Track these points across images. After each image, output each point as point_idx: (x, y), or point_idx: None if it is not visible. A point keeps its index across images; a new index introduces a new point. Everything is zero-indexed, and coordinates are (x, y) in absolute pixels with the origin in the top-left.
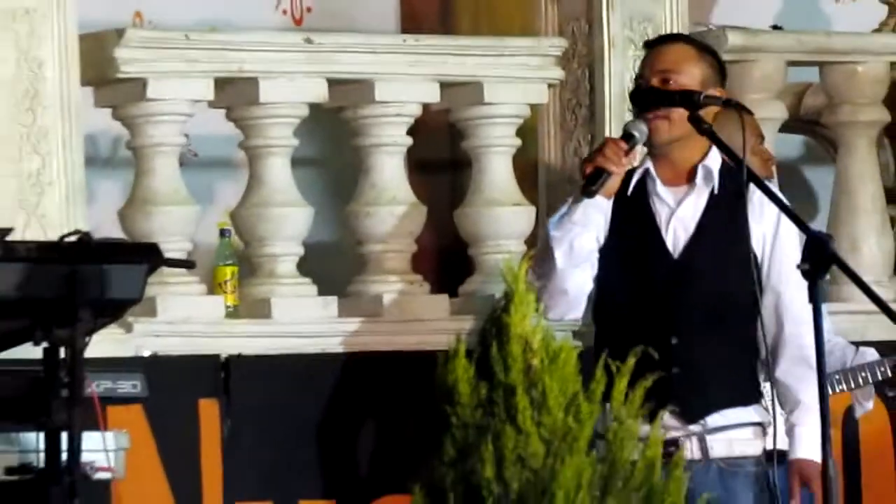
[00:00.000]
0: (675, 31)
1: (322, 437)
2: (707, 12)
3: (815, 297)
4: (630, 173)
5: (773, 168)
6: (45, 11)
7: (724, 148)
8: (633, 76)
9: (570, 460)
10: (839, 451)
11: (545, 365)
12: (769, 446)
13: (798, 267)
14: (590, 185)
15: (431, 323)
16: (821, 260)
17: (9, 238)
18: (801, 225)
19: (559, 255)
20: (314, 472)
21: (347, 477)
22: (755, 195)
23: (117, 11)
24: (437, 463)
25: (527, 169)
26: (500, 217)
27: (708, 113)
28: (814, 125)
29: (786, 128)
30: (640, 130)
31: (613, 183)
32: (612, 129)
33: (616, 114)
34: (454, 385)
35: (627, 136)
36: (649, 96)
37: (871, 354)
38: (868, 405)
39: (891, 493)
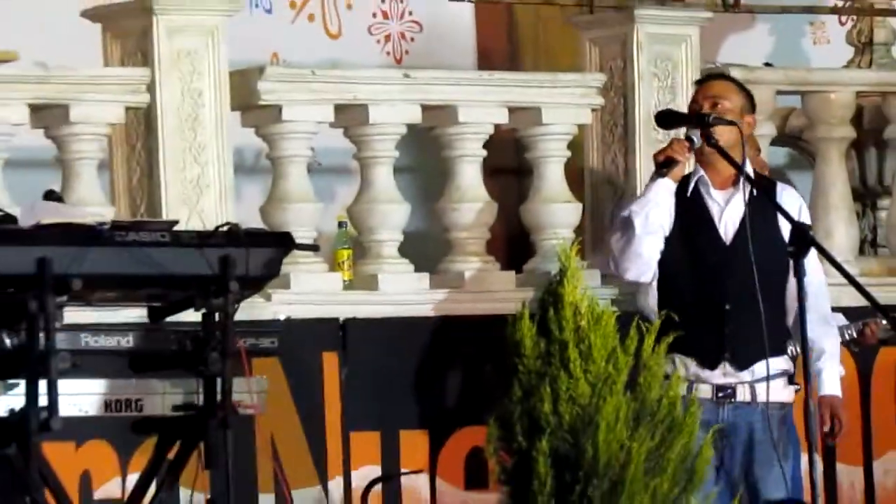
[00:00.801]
0: (689, 69)
1: (417, 382)
2: (714, 53)
3: (799, 271)
4: (687, 179)
5: (767, 173)
6: (203, 53)
7: (727, 157)
8: (657, 103)
9: (609, 399)
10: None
11: (590, 325)
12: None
13: (787, 249)
14: (662, 168)
15: (502, 293)
16: (804, 244)
17: (175, 228)
18: (789, 218)
19: (638, 223)
20: (412, 408)
21: (437, 412)
22: (783, 195)
23: (259, 52)
24: (506, 401)
25: (575, 174)
26: (555, 211)
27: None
28: (797, 140)
29: (775, 142)
30: (697, 136)
31: (679, 170)
32: (642, 143)
33: (644, 131)
34: (520, 341)
35: (688, 139)
36: (677, 118)
37: (840, 320)
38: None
39: (857, 427)
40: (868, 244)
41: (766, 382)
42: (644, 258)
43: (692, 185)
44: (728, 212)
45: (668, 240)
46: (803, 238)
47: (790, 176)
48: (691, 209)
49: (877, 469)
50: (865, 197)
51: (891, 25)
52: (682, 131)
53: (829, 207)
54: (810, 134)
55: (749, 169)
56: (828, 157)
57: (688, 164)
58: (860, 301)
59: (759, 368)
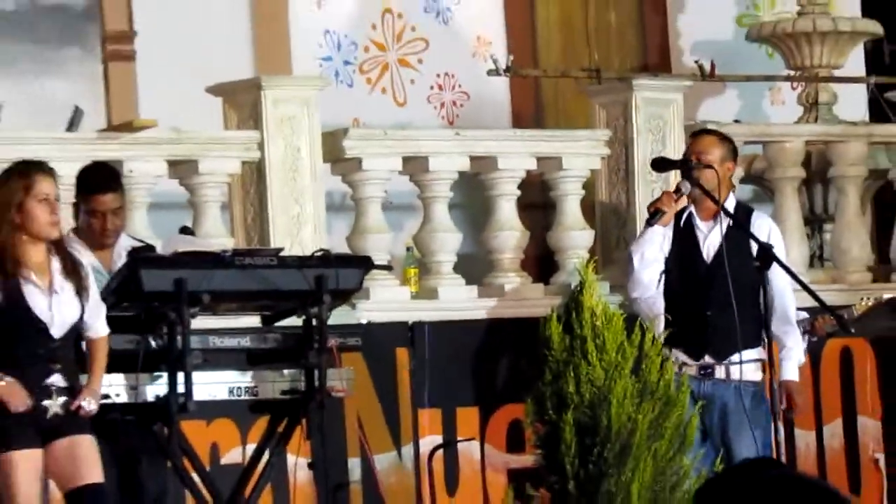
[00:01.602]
0: (676, 126)
1: (469, 369)
2: (694, 112)
3: (763, 281)
4: (681, 213)
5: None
6: (301, 118)
7: (707, 194)
8: (651, 152)
9: (619, 381)
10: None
11: (604, 324)
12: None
13: (754, 264)
14: (652, 218)
15: (533, 301)
16: (767, 260)
17: (281, 254)
18: (755, 240)
19: (636, 260)
20: (466, 390)
21: (485, 392)
22: (756, 221)
23: (344, 118)
24: (539, 384)
25: (588, 207)
26: (573, 236)
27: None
28: (759, 179)
29: (743, 181)
30: (686, 185)
31: (667, 217)
32: (640, 183)
33: (641, 174)
34: (549, 337)
35: (677, 189)
36: (666, 164)
37: (803, 315)
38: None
39: (811, 400)
40: (816, 258)
41: (740, 366)
42: (644, 283)
43: (684, 217)
44: (710, 238)
45: (666, 260)
46: (767, 255)
47: (756, 206)
48: (683, 236)
49: (826, 433)
50: (814, 222)
51: (832, 89)
52: (670, 176)
53: (785, 231)
54: (770, 174)
55: (731, 202)
56: (784, 192)
57: (684, 202)
58: (811, 302)
59: (735, 358)
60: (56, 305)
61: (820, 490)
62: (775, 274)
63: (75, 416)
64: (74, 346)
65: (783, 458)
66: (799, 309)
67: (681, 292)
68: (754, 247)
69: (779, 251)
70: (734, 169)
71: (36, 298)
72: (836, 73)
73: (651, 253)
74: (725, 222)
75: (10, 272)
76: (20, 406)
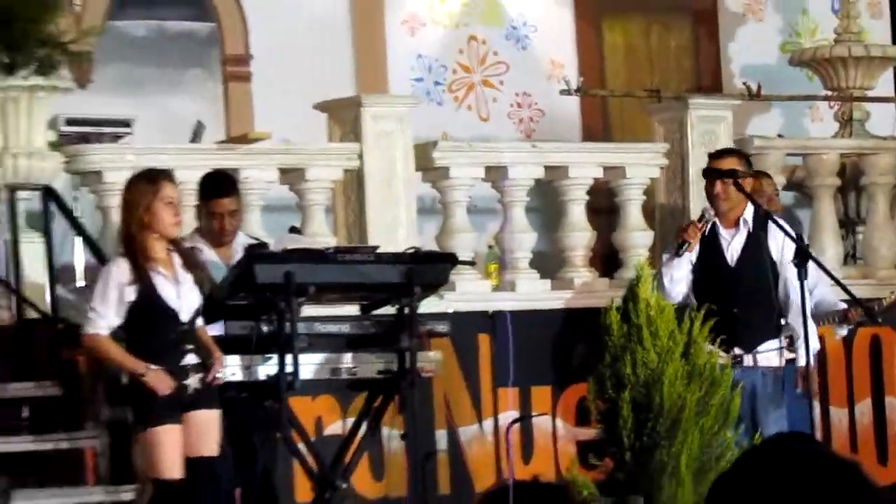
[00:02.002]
0: (726, 140)
1: (543, 353)
2: (743, 128)
3: (801, 278)
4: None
5: (779, 210)
6: (396, 132)
7: (752, 200)
8: (705, 164)
9: (670, 364)
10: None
11: (657, 314)
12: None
13: (792, 262)
14: (680, 248)
15: (599, 293)
16: (804, 258)
17: (378, 251)
18: (794, 239)
19: (666, 280)
20: (540, 371)
21: (557, 373)
22: (771, 229)
23: (433, 132)
24: (601, 365)
25: (649, 210)
26: (635, 237)
27: (746, 183)
28: (800, 187)
29: (785, 189)
30: (710, 213)
31: (691, 246)
32: (693, 191)
33: (696, 183)
34: (610, 325)
35: (701, 217)
36: (715, 172)
37: (841, 305)
38: (842, 332)
39: (843, 381)
40: (850, 257)
41: (755, 356)
42: (672, 296)
43: (709, 227)
44: (733, 244)
45: (695, 265)
46: (803, 253)
47: (795, 211)
48: (709, 244)
49: (857, 411)
50: (847, 225)
51: (864, 108)
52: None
53: (822, 233)
54: (809, 182)
55: (749, 212)
56: (821, 199)
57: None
58: (844, 296)
59: (761, 347)
60: (182, 294)
61: (839, 463)
62: (791, 272)
63: (209, 390)
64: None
65: (818, 433)
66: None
67: (709, 293)
68: (774, 251)
69: (789, 255)
70: (752, 184)
71: (166, 289)
72: (868, 93)
73: (680, 274)
74: (745, 230)
75: (142, 268)
76: (166, 390)
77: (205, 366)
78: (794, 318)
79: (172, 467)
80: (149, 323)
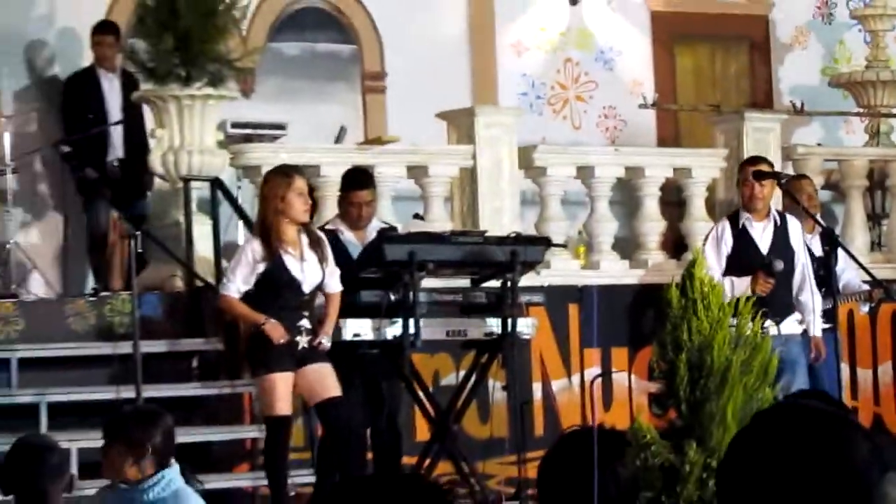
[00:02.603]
0: (775, 147)
1: (622, 320)
2: (788, 138)
3: (831, 264)
4: (737, 216)
5: (818, 206)
6: (503, 137)
7: (794, 199)
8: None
9: (720, 331)
10: (845, 330)
11: (710, 290)
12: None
13: (823, 249)
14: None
15: (669, 272)
16: (833, 244)
17: (486, 234)
18: (826, 229)
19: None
20: (619, 334)
21: (633, 337)
22: (790, 222)
23: (534, 137)
24: (662, 331)
25: (710, 205)
26: (698, 226)
27: (766, 184)
28: (836, 187)
29: (823, 188)
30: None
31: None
32: None
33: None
34: (671, 299)
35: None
36: (766, 175)
37: (864, 286)
38: (864, 309)
39: (868, 348)
40: (876, 245)
41: (779, 327)
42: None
43: (741, 222)
44: (764, 235)
45: (731, 252)
46: (833, 240)
47: (831, 207)
48: (742, 236)
49: (880, 371)
50: (874, 219)
51: (890, 123)
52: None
53: (852, 225)
54: (843, 183)
55: (774, 210)
56: (853, 197)
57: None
58: (867, 278)
59: (787, 319)
60: (306, 269)
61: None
62: (806, 258)
63: (317, 350)
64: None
65: (846, 390)
66: (864, 281)
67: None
68: (794, 242)
69: (803, 245)
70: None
71: (292, 264)
72: (893, 110)
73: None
74: (772, 224)
75: (273, 247)
76: (280, 339)
77: (313, 330)
78: (806, 297)
79: (281, 406)
80: (275, 290)
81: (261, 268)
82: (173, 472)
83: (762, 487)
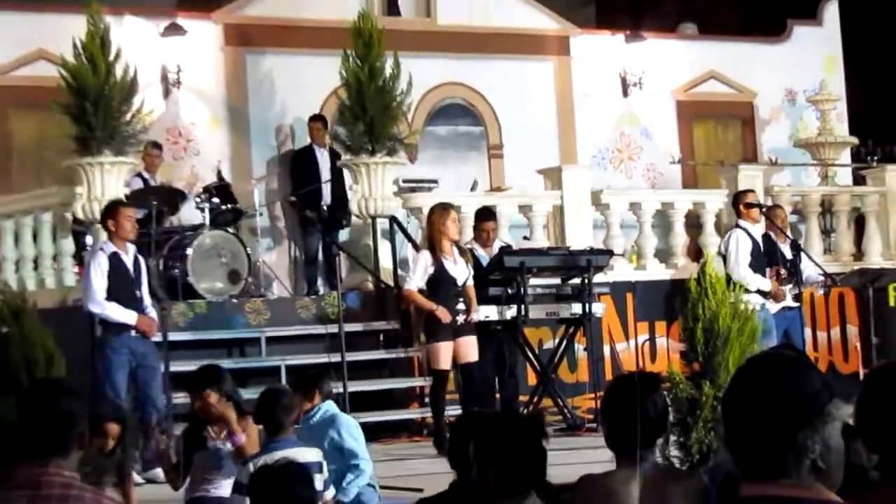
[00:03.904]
0: (760, 188)
1: (661, 302)
2: (769, 181)
3: (798, 263)
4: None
5: (788, 225)
6: (580, 185)
7: (772, 221)
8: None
9: (723, 308)
10: (808, 306)
11: (715, 280)
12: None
13: (792, 254)
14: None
15: (689, 270)
16: (798, 250)
17: (571, 248)
18: (793, 240)
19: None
20: (658, 312)
21: (669, 313)
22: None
23: (601, 184)
24: (686, 309)
25: (718, 226)
26: (710, 240)
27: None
28: (799, 213)
29: (791, 213)
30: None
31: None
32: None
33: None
34: (690, 288)
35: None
36: (752, 205)
37: (820, 277)
38: (820, 292)
39: (823, 318)
40: (827, 250)
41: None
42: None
43: (762, 232)
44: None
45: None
46: (799, 248)
47: (798, 226)
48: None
49: (831, 332)
50: (825, 233)
51: (834, 171)
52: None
53: (811, 237)
54: (804, 210)
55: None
56: (811, 219)
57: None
58: (820, 271)
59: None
60: (458, 270)
61: (805, 363)
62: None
63: (468, 324)
64: None
65: (808, 345)
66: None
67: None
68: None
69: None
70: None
71: (450, 267)
72: (836, 162)
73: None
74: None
75: (437, 256)
76: (446, 319)
77: (467, 310)
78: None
79: (443, 364)
80: (440, 284)
81: (430, 270)
82: (328, 404)
83: (750, 409)
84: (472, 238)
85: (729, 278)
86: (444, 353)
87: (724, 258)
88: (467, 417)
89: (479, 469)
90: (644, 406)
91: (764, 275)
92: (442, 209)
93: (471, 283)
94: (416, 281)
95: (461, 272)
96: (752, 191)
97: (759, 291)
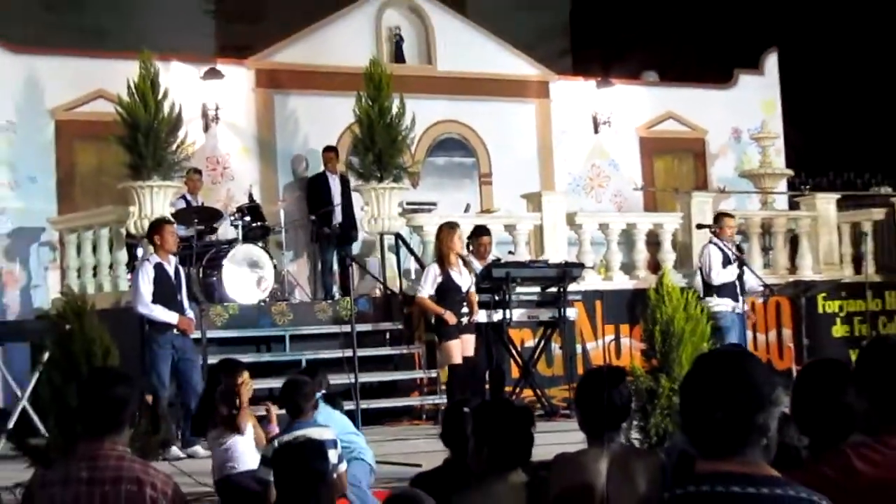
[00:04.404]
0: (709, 212)
1: (624, 309)
2: (717, 206)
3: (743, 276)
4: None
5: (735, 242)
6: (559, 209)
7: (718, 236)
8: (702, 220)
9: (679, 312)
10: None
11: (672, 289)
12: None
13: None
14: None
15: (650, 282)
16: (742, 264)
17: (549, 261)
18: (739, 256)
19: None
20: (622, 316)
21: (631, 317)
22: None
23: (575, 207)
24: (646, 313)
25: (674, 244)
26: (667, 256)
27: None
28: (744, 233)
29: (737, 233)
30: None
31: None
32: (696, 236)
33: (696, 232)
34: (650, 296)
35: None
36: (703, 226)
37: (760, 287)
38: (760, 300)
39: (763, 322)
40: (766, 265)
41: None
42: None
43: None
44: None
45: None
46: (743, 263)
47: (742, 244)
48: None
49: (769, 334)
50: (765, 249)
51: (772, 197)
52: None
53: (753, 253)
54: (748, 231)
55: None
56: (753, 238)
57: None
58: (760, 283)
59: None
60: (462, 279)
61: (750, 356)
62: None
63: (470, 325)
64: None
65: (750, 345)
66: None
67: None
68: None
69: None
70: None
71: (455, 276)
72: (776, 189)
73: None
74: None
75: (444, 268)
76: (453, 322)
77: (470, 313)
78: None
79: (456, 358)
80: (447, 292)
81: (439, 280)
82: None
83: (702, 397)
84: (469, 251)
85: (707, 286)
86: (456, 350)
87: (701, 269)
88: (460, 404)
89: (475, 446)
90: (611, 395)
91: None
92: (449, 228)
93: (473, 289)
94: (427, 289)
95: (465, 281)
96: (730, 215)
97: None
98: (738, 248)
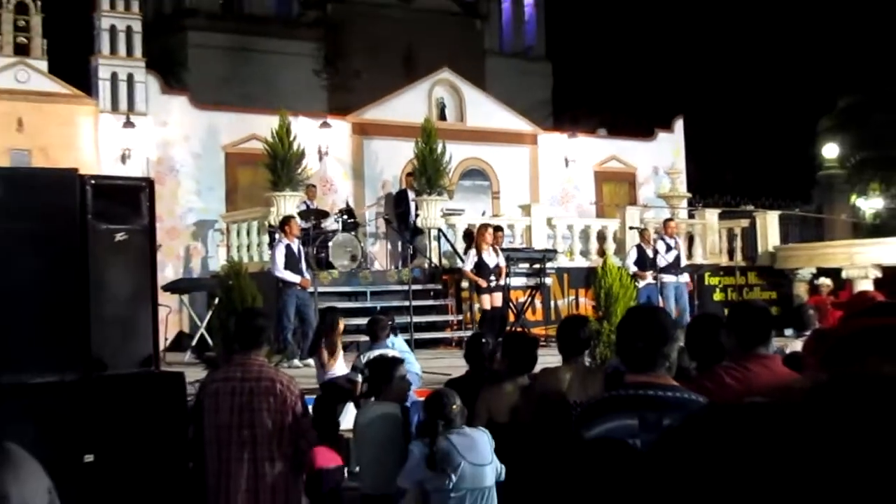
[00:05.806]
0: (637, 220)
1: (583, 279)
2: (642, 216)
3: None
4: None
5: (651, 241)
6: (543, 214)
7: (644, 239)
8: (630, 227)
9: (615, 283)
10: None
11: (612, 268)
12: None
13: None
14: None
15: (598, 262)
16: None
17: (535, 248)
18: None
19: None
20: (582, 284)
21: (586, 285)
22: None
23: (554, 214)
24: (596, 282)
25: (616, 239)
26: (611, 245)
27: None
28: (663, 237)
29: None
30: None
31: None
32: (629, 234)
33: (627, 232)
34: (598, 273)
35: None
36: (633, 228)
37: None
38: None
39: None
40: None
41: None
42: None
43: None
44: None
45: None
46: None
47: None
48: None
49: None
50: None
51: (678, 211)
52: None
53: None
54: (660, 231)
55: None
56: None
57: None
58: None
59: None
60: (491, 258)
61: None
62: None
63: (497, 287)
64: None
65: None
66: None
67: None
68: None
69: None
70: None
71: (486, 257)
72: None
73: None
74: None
75: (479, 252)
76: (484, 285)
77: (497, 279)
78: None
79: (486, 306)
80: (481, 267)
81: (475, 259)
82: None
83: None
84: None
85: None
86: (485, 301)
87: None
88: (478, 336)
89: (501, 357)
90: (578, 332)
91: (645, 269)
92: (484, 227)
93: (503, 264)
94: (469, 265)
95: (492, 260)
96: (646, 228)
97: (634, 275)
98: (676, 243)
